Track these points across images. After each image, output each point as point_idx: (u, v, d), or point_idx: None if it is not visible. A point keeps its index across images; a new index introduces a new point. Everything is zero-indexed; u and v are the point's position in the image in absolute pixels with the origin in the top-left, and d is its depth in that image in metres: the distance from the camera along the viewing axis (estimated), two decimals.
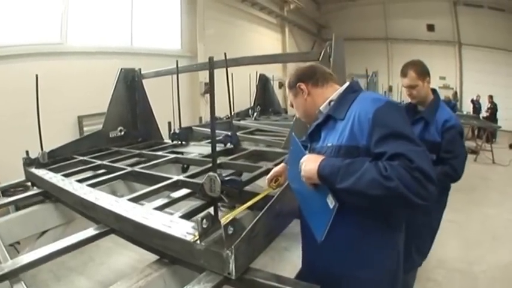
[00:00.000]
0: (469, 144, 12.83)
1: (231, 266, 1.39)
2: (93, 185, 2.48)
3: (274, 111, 7.89)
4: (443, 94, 16.41)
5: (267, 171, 2.54)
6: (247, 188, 2.27)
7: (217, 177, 1.86)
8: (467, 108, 16.43)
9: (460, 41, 18.45)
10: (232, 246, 1.37)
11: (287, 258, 3.49)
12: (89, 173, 3.01)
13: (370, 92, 1.70)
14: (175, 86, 4.07)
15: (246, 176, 2.69)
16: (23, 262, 1.64)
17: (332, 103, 1.64)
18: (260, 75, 8.18)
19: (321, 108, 1.67)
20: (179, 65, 4.09)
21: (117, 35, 8.08)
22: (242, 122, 6.16)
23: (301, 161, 1.47)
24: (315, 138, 1.68)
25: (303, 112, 1.79)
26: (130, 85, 4.26)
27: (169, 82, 4.24)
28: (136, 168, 2.83)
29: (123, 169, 2.85)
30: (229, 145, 3.51)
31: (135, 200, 2.14)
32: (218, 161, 2.87)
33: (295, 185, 1.63)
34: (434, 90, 2.85)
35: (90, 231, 1.92)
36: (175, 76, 4.12)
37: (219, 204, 2.05)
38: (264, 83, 8.24)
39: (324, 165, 1.37)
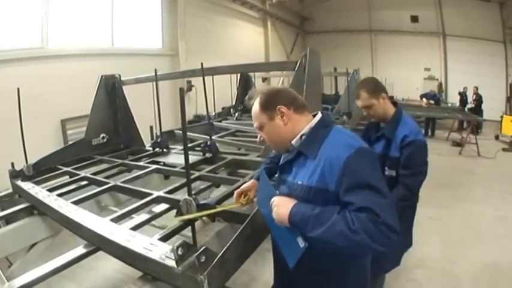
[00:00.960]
0: (454, 136, 12.87)
1: None
2: (77, 202, 2.60)
3: None
4: (428, 87, 16.74)
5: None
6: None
7: (193, 201, 2.02)
8: (454, 99, 16.62)
9: (444, 32, 18.63)
10: (205, 272, 1.55)
11: (269, 261, 3.70)
12: (74, 185, 3.13)
13: (342, 131, 1.67)
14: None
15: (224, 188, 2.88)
16: (18, 285, 1.78)
17: (303, 137, 1.64)
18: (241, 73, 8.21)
19: (292, 142, 1.65)
20: (160, 65, 4.20)
21: (98, 36, 8.10)
22: (223, 123, 6.26)
23: (274, 203, 1.52)
24: (285, 170, 1.70)
25: (276, 138, 1.71)
26: (111, 92, 4.30)
27: (151, 84, 4.31)
28: (119, 183, 2.95)
29: (107, 183, 2.98)
30: (208, 154, 3.62)
31: (117, 219, 2.28)
32: (197, 173, 3.05)
33: (265, 211, 1.65)
34: (395, 104, 2.77)
35: (79, 250, 2.08)
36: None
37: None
38: (245, 80, 8.27)
39: (295, 213, 1.43)
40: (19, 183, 3.11)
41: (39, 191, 2.84)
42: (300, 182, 1.57)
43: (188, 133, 4.90)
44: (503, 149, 11.71)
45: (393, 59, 19.79)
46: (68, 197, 2.81)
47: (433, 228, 5.88)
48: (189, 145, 4.43)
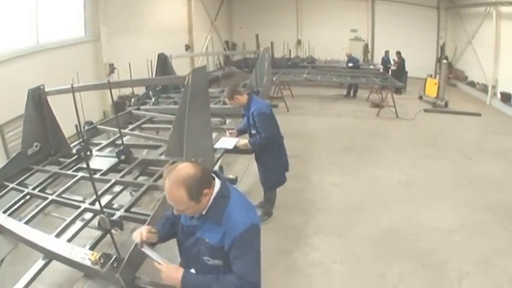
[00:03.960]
0: (375, 97, 12.76)
1: (121, 282, 2.67)
2: (28, 221, 3.46)
3: (174, 87, 8.54)
4: (354, 48, 18.38)
5: (148, 188, 3.77)
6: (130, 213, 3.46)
7: (106, 219, 3.07)
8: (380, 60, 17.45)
9: None
10: (119, 271, 2.65)
11: None
12: (22, 200, 3.89)
13: (238, 203, 2.06)
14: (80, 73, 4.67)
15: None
16: None
17: (208, 205, 2.02)
18: (158, 55, 8.60)
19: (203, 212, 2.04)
20: (83, 52, 4.74)
21: (24, 36, 8.21)
22: (141, 111, 6.77)
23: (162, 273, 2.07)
24: (195, 226, 2.11)
25: (196, 211, 2.03)
26: (38, 102, 4.73)
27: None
28: (55, 197, 3.77)
29: (46, 197, 3.80)
30: (122, 157, 4.42)
31: (59, 234, 3.21)
32: (113, 179, 3.96)
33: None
34: (248, 96, 4.94)
35: (40, 262, 3.02)
36: (79, 66, 4.67)
37: None
38: (163, 62, 8.63)
39: (186, 283, 2.02)
40: None
41: None
42: (207, 240, 2.05)
43: (107, 127, 5.71)
44: (425, 110, 11.74)
45: (319, 21, 20.54)
46: (19, 213, 3.73)
47: (335, 195, 6.19)
48: (106, 142, 5.27)
